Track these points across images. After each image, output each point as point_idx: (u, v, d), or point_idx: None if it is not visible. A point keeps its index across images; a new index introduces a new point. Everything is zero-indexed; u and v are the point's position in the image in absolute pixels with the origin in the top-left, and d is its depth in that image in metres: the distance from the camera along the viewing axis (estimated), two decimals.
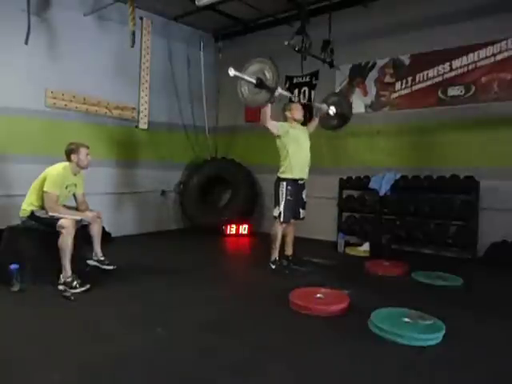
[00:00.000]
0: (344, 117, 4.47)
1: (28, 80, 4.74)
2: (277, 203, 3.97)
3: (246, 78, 3.45)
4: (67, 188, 3.51)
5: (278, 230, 3.98)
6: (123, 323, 2.64)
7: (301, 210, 4.12)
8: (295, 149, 3.95)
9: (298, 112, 4.08)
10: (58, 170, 3.43)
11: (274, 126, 3.91)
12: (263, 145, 6.55)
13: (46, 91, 4.93)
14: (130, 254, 4.72)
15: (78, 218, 3.45)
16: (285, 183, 3.94)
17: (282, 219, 3.93)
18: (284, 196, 3.92)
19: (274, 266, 4.02)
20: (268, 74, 3.46)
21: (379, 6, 5.36)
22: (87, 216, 3.55)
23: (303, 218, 4.17)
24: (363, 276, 4.00)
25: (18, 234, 3.50)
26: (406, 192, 5.07)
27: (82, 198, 3.70)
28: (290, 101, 4.13)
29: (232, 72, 3.29)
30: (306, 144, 4.09)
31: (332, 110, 4.27)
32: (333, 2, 5.47)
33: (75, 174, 3.57)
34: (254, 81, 3.44)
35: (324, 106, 4.31)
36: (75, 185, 3.60)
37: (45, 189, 3.32)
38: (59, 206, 3.39)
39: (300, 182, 4.03)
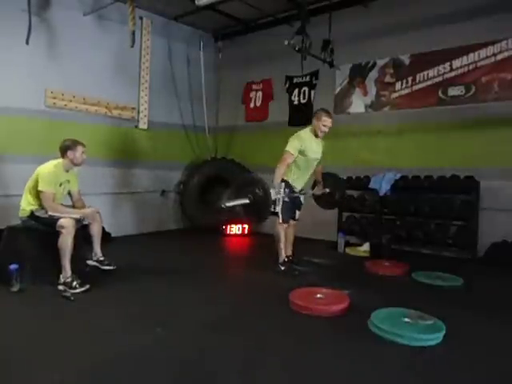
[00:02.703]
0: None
1: (28, 80, 4.73)
2: (273, 203, 3.88)
3: (240, 202, 3.43)
4: (61, 185, 3.49)
5: (280, 229, 3.91)
6: (123, 323, 2.63)
7: (297, 212, 4.10)
8: (303, 165, 3.89)
9: (325, 127, 3.84)
10: (49, 168, 3.41)
11: (291, 158, 3.80)
12: (263, 145, 6.58)
13: (45, 91, 4.93)
14: (130, 254, 4.72)
15: (78, 216, 3.44)
16: (283, 184, 3.87)
17: (280, 220, 3.88)
18: (281, 198, 3.84)
19: (283, 268, 3.94)
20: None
21: (379, 5, 5.36)
22: (86, 213, 3.53)
23: (297, 219, 4.16)
24: (363, 276, 4.00)
25: (18, 233, 3.49)
26: (405, 192, 5.07)
27: (78, 195, 3.69)
28: (325, 110, 3.89)
29: (225, 205, 3.32)
30: (315, 162, 4.01)
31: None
32: (333, 2, 5.47)
33: (67, 171, 3.55)
34: (247, 201, 3.41)
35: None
36: (68, 181, 3.58)
37: (40, 188, 3.32)
38: (57, 204, 3.39)
39: None
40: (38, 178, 3.35)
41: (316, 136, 3.92)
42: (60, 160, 3.50)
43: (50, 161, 3.49)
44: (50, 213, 3.32)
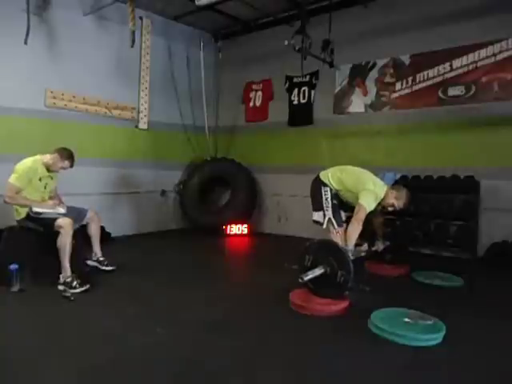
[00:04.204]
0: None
1: (28, 80, 4.73)
2: (320, 208, 3.63)
3: (317, 273, 3.02)
4: (41, 180, 3.47)
5: (337, 238, 3.47)
6: (123, 323, 2.64)
7: (342, 213, 3.77)
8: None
9: (399, 204, 3.54)
10: (26, 164, 3.41)
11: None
12: (263, 145, 6.58)
13: (45, 91, 4.92)
14: (130, 254, 4.71)
15: (39, 208, 3.38)
16: (328, 188, 3.66)
17: (336, 226, 3.56)
18: (330, 200, 3.61)
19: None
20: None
21: (379, 5, 5.36)
22: (48, 204, 3.46)
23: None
24: (363, 276, 3.99)
25: (18, 234, 3.50)
26: None
27: (55, 192, 3.69)
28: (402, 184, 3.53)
29: (304, 279, 2.94)
30: None
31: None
32: (333, 2, 5.46)
33: (48, 169, 3.52)
34: (322, 271, 3.02)
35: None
36: (51, 177, 3.57)
37: (9, 180, 3.31)
38: (17, 195, 3.33)
39: None
40: (14, 171, 3.36)
41: (380, 204, 3.59)
42: (40, 156, 3.49)
43: (29, 157, 3.48)
44: (9, 201, 3.30)
